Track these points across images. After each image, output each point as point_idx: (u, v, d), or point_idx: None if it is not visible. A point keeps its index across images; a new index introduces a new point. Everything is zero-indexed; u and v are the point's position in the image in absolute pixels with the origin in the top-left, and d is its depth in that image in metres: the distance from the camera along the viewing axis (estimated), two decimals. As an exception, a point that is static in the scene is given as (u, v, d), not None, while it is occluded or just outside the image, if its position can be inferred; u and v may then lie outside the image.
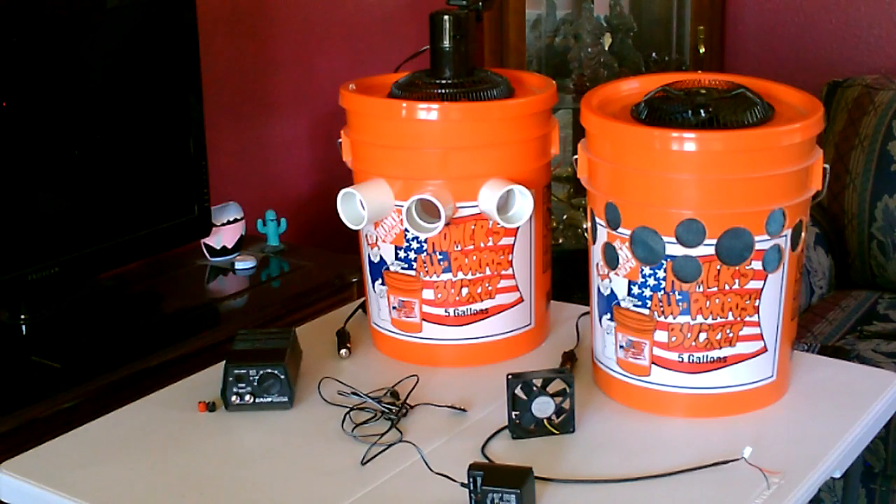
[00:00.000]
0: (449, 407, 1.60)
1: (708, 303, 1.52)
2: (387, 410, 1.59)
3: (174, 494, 1.43)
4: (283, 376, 1.60)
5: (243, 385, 1.60)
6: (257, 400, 1.60)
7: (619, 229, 1.54)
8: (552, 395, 1.51)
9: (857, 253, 2.94)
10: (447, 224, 1.66)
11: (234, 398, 1.60)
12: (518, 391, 1.51)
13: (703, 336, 1.54)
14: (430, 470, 1.43)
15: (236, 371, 1.60)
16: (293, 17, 2.81)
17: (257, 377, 1.60)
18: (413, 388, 1.64)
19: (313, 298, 2.32)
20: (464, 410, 1.60)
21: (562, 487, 1.40)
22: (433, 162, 1.67)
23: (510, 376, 1.51)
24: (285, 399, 1.61)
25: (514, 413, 1.52)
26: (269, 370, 1.60)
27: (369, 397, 1.62)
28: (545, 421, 1.52)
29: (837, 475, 1.55)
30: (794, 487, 1.40)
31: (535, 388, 1.51)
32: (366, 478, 1.44)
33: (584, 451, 1.50)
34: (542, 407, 1.51)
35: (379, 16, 3.04)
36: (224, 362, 1.62)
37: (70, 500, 1.42)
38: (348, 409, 1.59)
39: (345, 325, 1.88)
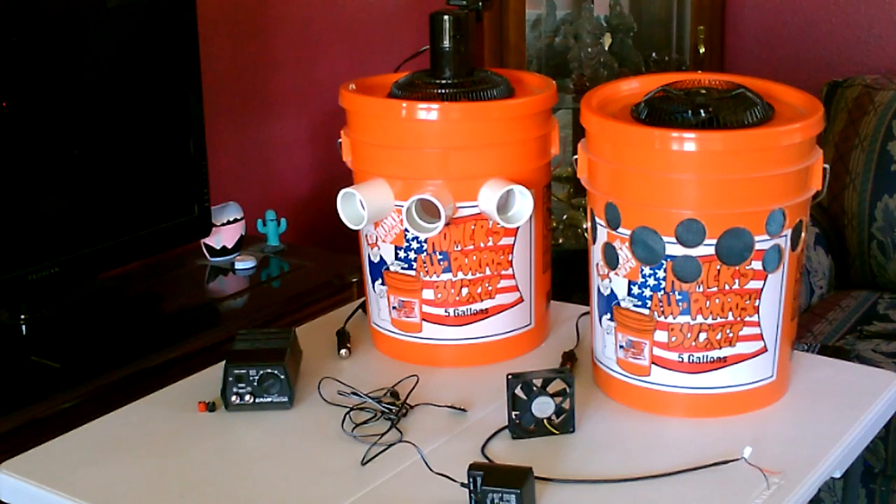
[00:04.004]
0: (449, 407, 1.60)
1: (708, 303, 1.52)
2: (387, 410, 1.58)
3: (174, 494, 1.43)
4: (283, 376, 1.60)
5: (243, 385, 1.60)
6: (257, 400, 1.60)
7: (619, 229, 1.54)
8: (552, 395, 1.51)
9: (857, 253, 2.94)
10: (447, 224, 1.66)
11: (234, 398, 1.60)
12: (518, 391, 1.51)
13: (703, 336, 1.54)
14: (430, 470, 1.42)
15: (236, 371, 1.60)
16: (293, 17, 2.81)
17: (257, 377, 1.60)
18: (413, 388, 1.64)
19: (313, 298, 2.32)
20: (464, 410, 1.60)
21: (562, 487, 1.40)
22: (433, 162, 1.67)
23: (510, 376, 1.51)
24: (285, 399, 1.61)
25: (514, 413, 1.52)
26: (269, 370, 1.60)
27: (369, 397, 1.62)
28: (545, 421, 1.52)
29: (837, 475, 1.55)
30: (794, 487, 1.39)
31: (535, 388, 1.51)
32: (366, 478, 1.44)
33: (584, 451, 1.50)
34: (542, 407, 1.51)
35: (379, 16, 3.04)
36: (224, 362, 1.62)
37: (70, 500, 1.42)
38: (348, 409, 1.59)
39: (345, 325, 1.88)
